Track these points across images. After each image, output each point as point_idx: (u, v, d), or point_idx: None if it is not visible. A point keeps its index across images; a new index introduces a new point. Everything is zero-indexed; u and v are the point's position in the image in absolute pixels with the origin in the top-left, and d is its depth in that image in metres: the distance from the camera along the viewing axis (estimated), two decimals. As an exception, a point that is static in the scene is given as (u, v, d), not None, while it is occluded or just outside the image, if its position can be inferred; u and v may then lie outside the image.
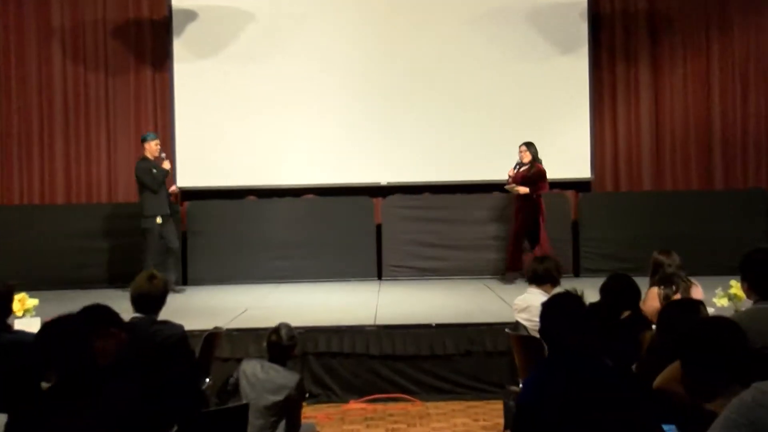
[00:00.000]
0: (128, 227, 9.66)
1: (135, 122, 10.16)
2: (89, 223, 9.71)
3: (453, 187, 9.67)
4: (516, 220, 9.13)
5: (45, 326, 3.01)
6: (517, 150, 9.01)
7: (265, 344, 4.58)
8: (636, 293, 4.48)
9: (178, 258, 9.06)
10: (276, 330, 4.55)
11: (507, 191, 9.11)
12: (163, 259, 8.72)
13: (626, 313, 4.41)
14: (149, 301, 4.20)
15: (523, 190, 8.86)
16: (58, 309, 3.50)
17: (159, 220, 8.74)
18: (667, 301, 4.79)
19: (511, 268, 9.14)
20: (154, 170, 8.79)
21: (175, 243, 8.92)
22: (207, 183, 9.93)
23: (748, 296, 3.92)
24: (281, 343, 4.49)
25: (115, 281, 9.17)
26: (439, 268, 9.81)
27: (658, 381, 3.18)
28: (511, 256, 9.15)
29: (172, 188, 9.20)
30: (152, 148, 8.88)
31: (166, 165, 8.86)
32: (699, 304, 3.82)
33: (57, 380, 2.87)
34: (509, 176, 9.00)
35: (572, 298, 3.13)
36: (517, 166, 8.99)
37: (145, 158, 8.89)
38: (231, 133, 9.94)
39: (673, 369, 3.16)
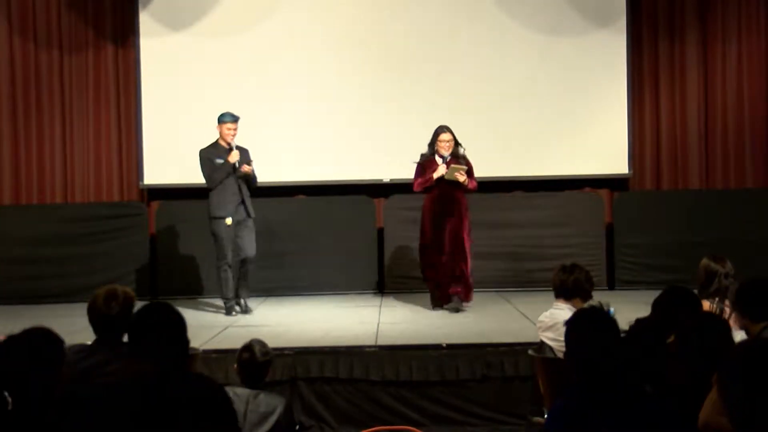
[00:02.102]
0: (88, 231, 9.74)
1: (94, 108, 10.17)
2: (41, 227, 9.74)
3: (466, 184, 9.66)
4: (435, 226, 8.32)
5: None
6: (442, 134, 8.32)
7: (235, 366, 4.63)
8: (696, 310, 4.50)
9: (245, 272, 8.49)
10: (248, 347, 4.61)
11: (449, 181, 8.18)
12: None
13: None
14: (110, 321, 4.15)
15: (464, 180, 8.14)
16: (6, 327, 3.55)
17: (229, 221, 8.28)
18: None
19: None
20: (219, 161, 8.39)
21: (249, 252, 8.40)
22: (179, 180, 9.93)
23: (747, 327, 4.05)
24: (256, 361, 4.55)
25: (73, 295, 9.16)
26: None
27: (702, 418, 3.24)
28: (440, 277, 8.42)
29: (245, 168, 8.33)
30: (224, 132, 8.34)
31: (232, 158, 8.24)
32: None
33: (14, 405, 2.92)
34: (444, 166, 8.20)
35: (601, 314, 3.17)
36: (443, 158, 8.26)
37: (216, 144, 8.46)
38: (207, 121, 9.90)
39: (714, 402, 3.21)
